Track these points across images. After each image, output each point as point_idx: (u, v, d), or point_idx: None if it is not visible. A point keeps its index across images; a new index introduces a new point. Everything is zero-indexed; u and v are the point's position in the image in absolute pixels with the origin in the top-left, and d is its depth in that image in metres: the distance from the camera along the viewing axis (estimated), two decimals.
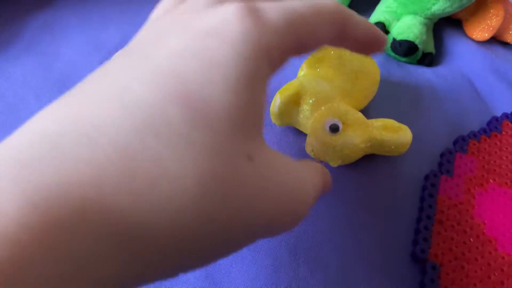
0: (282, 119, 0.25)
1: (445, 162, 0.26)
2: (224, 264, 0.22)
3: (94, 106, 0.10)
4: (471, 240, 0.23)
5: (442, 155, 0.27)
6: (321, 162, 0.24)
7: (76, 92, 0.11)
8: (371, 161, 0.26)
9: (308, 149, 0.24)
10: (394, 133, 0.24)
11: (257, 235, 0.13)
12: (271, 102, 0.25)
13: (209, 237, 0.11)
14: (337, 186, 0.25)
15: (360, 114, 0.24)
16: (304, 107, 0.24)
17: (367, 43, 0.16)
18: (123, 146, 0.10)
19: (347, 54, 0.26)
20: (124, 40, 0.33)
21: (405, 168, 0.27)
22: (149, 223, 0.10)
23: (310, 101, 0.24)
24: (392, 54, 0.33)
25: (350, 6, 0.36)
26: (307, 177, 0.15)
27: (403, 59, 0.33)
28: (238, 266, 0.22)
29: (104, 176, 0.09)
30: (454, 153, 0.27)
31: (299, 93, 0.24)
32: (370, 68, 0.27)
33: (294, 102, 0.24)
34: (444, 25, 0.37)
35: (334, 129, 0.23)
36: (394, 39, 0.32)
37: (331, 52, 0.26)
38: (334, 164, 0.24)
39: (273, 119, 0.26)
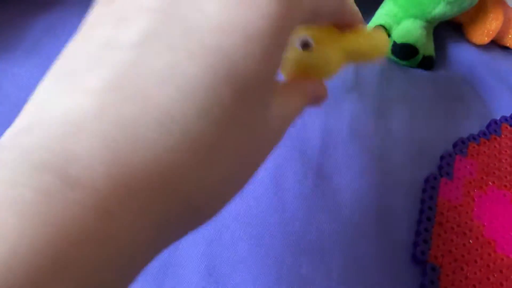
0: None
1: (445, 165, 0.26)
2: (227, 262, 0.22)
3: (151, 88, 0.11)
4: (471, 242, 0.23)
5: (442, 158, 0.27)
6: None
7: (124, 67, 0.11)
8: (370, 162, 0.27)
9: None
10: (367, 37, 0.22)
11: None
12: None
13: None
14: (338, 188, 0.25)
15: (325, 29, 0.22)
16: None
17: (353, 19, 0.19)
18: (191, 132, 0.11)
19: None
20: None
21: (405, 170, 0.27)
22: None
23: None
24: (393, 57, 0.33)
25: None
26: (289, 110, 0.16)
27: (404, 62, 0.33)
28: (242, 266, 0.22)
29: (179, 160, 0.10)
30: (454, 156, 0.27)
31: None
32: None
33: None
34: (444, 29, 0.37)
35: (305, 44, 0.21)
36: (394, 42, 0.33)
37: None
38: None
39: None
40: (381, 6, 0.36)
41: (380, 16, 0.35)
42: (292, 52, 0.21)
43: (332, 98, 0.30)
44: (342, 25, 0.19)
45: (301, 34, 0.22)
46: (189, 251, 0.22)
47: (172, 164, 0.10)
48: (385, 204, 0.25)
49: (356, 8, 0.18)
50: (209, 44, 0.11)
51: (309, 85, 0.19)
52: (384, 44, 0.23)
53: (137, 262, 0.11)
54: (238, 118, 0.12)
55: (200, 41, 0.11)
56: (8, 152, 0.10)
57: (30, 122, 0.11)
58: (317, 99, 0.19)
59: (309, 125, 0.28)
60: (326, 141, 0.28)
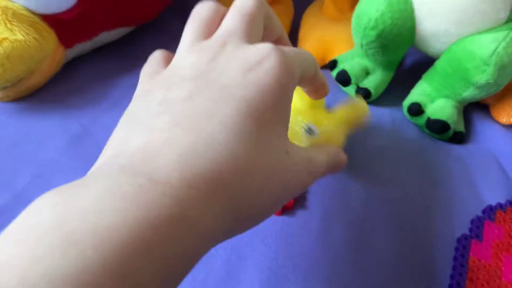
0: None
1: (475, 228, 0.30)
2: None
3: (202, 123, 0.16)
4: None
5: (472, 222, 0.30)
6: None
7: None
8: (406, 220, 0.30)
9: None
10: (355, 110, 0.31)
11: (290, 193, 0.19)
12: None
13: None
14: (378, 247, 0.29)
15: (320, 112, 0.30)
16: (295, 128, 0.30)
17: (322, 86, 0.25)
18: (231, 149, 0.16)
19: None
20: None
21: (437, 230, 0.30)
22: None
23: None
24: (427, 131, 0.38)
25: (387, 89, 0.42)
26: (315, 157, 0.21)
27: (437, 136, 0.38)
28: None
29: (224, 170, 0.15)
30: (483, 220, 0.30)
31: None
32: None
33: None
34: (473, 108, 0.42)
35: (310, 131, 0.29)
36: (428, 118, 0.37)
37: None
38: None
39: None
40: (416, 86, 0.41)
41: (415, 94, 0.40)
42: (302, 139, 0.28)
43: (375, 159, 0.34)
44: (315, 90, 0.25)
45: (304, 123, 0.28)
46: None
47: (220, 172, 0.15)
48: (423, 257, 0.28)
49: (323, 76, 0.25)
50: (236, 95, 0.17)
51: (331, 147, 0.24)
52: (366, 109, 0.30)
53: (201, 245, 0.15)
54: (261, 142, 0.17)
55: (230, 93, 0.17)
56: (108, 167, 0.15)
57: (115, 153, 0.16)
58: (338, 164, 0.24)
59: (353, 182, 0.33)
60: (368, 198, 0.32)
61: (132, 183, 0.14)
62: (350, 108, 0.31)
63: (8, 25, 0.35)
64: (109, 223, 0.12)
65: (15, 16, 0.35)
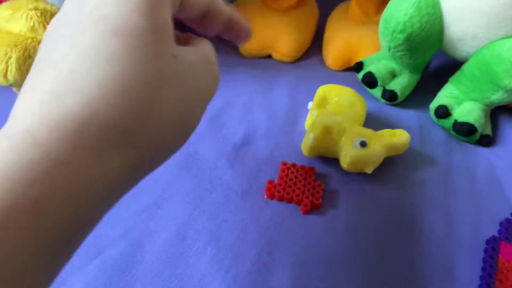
0: (314, 151, 0.33)
1: (504, 230, 0.30)
2: None
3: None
4: None
5: (501, 224, 0.31)
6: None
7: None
8: (439, 222, 0.31)
9: (343, 165, 0.32)
10: (398, 136, 0.33)
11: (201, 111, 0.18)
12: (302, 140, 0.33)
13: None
14: (413, 239, 0.29)
15: (372, 131, 0.33)
16: (335, 136, 0.32)
17: (231, 27, 0.22)
18: (101, 81, 0.15)
19: (340, 93, 0.35)
20: (226, 105, 0.40)
21: (465, 232, 0.31)
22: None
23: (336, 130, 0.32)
24: (454, 133, 0.38)
25: (414, 92, 0.42)
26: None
27: (464, 138, 0.38)
28: None
29: (103, 99, 0.14)
30: None
31: (326, 127, 0.32)
32: (357, 98, 0.35)
33: (323, 135, 0.32)
34: (501, 112, 0.42)
35: (363, 144, 0.31)
36: (455, 121, 0.37)
37: (330, 93, 0.35)
38: (369, 171, 0.31)
39: (306, 153, 0.33)
40: (443, 89, 0.41)
41: (442, 97, 0.40)
42: (352, 149, 0.30)
43: (403, 162, 0.35)
44: (213, 17, 0.21)
45: (359, 137, 0.30)
46: None
47: (89, 105, 0.14)
48: (450, 259, 0.29)
49: (231, 11, 0.22)
50: (95, 19, 0.15)
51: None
52: (407, 141, 0.33)
53: (98, 185, 0.14)
54: (135, 57, 0.15)
55: (89, 21, 0.15)
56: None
57: None
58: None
59: (385, 182, 0.33)
60: (398, 197, 0.32)
61: (10, 140, 0.14)
62: (395, 136, 0.34)
63: (47, 27, 0.36)
64: None
65: (52, 18, 0.36)
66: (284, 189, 0.31)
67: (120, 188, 0.16)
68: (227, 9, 0.22)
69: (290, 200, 0.31)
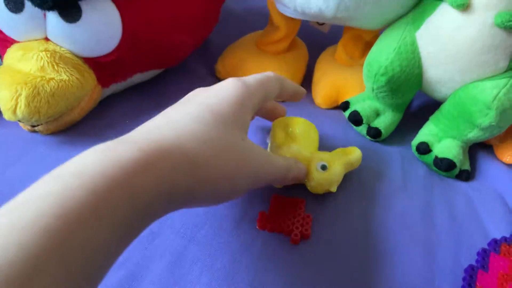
0: None
1: (481, 259, 0.32)
2: None
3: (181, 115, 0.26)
4: None
5: (478, 254, 0.32)
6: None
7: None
8: (418, 251, 0.32)
9: (310, 188, 0.35)
10: (352, 154, 0.37)
11: (246, 184, 0.27)
12: None
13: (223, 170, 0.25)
14: (389, 272, 0.31)
15: (329, 153, 0.36)
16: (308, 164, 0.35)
17: (294, 95, 0.37)
18: (190, 128, 0.24)
19: (293, 123, 0.38)
20: None
21: (447, 260, 0.32)
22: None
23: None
24: (435, 168, 0.41)
25: (397, 129, 0.45)
26: (279, 160, 0.31)
27: (444, 173, 0.40)
28: None
29: (191, 143, 0.23)
30: (489, 252, 0.32)
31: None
32: (308, 125, 0.38)
33: None
34: (478, 148, 0.44)
35: (323, 167, 0.34)
36: (436, 157, 0.40)
37: (284, 125, 0.38)
38: (333, 189, 0.34)
39: (276, 185, 0.36)
40: (423, 127, 0.44)
41: (423, 134, 0.43)
42: (315, 173, 0.32)
43: (385, 195, 0.37)
44: (292, 97, 0.37)
45: (319, 161, 0.33)
46: None
47: (178, 140, 0.23)
48: (430, 286, 0.30)
49: (294, 84, 0.36)
50: (201, 100, 0.27)
51: (289, 158, 0.33)
52: (360, 156, 0.37)
53: (162, 189, 0.21)
54: (218, 127, 0.25)
55: (197, 101, 0.27)
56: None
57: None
58: (299, 169, 0.33)
59: (365, 213, 0.35)
60: (377, 230, 0.34)
61: (124, 145, 0.21)
62: (350, 154, 0.37)
63: (55, 67, 0.39)
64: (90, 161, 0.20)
65: (61, 59, 0.39)
66: (275, 221, 0.33)
67: (175, 200, 0.23)
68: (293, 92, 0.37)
69: (281, 231, 0.33)
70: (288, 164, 0.31)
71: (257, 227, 0.33)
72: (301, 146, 0.36)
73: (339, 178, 0.35)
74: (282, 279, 0.30)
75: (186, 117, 0.25)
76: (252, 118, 0.37)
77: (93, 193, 0.18)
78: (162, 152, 0.21)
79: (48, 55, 0.39)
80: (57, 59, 0.39)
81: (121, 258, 0.30)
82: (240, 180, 0.26)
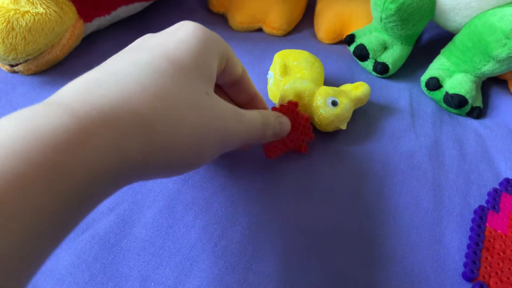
0: None
1: (492, 200, 0.30)
2: None
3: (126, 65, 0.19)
4: None
5: (489, 194, 0.31)
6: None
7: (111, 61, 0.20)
8: (426, 191, 0.31)
9: (320, 126, 0.33)
10: (360, 89, 0.34)
11: (213, 148, 0.22)
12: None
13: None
14: (397, 208, 0.29)
15: (337, 88, 0.33)
16: (306, 100, 0.32)
17: (255, 104, 0.30)
18: (142, 82, 0.18)
19: (298, 56, 0.35)
20: None
21: (455, 201, 0.31)
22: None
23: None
24: (444, 105, 0.38)
25: (405, 64, 0.42)
26: (254, 116, 0.25)
27: (454, 110, 0.38)
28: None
29: (138, 98, 0.18)
30: (500, 192, 0.31)
31: (297, 93, 0.32)
32: (314, 59, 0.36)
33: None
34: (492, 84, 0.41)
35: (334, 103, 0.32)
36: (447, 93, 0.37)
37: (288, 59, 0.35)
38: (343, 127, 0.32)
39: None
40: (434, 61, 0.41)
41: (433, 69, 0.39)
42: (326, 108, 0.29)
43: (393, 134, 0.35)
44: (243, 87, 0.29)
45: (329, 96, 0.30)
46: None
47: (128, 98, 0.17)
48: (438, 228, 0.29)
49: (258, 93, 0.30)
50: (155, 47, 0.21)
51: (269, 112, 0.28)
52: (369, 91, 0.35)
53: (113, 161, 0.17)
54: (178, 80, 0.19)
55: (149, 47, 0.21)
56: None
57: None
58: (281, 125, 0.28)
59: (372, 153, 0.33)
60: (386, 169, 0.32)
61: (48, 108, 0.16)
62: (358, 89, 0.34)
63: None
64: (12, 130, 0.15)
65: None
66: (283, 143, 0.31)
67: (126, 173, 0.18)
68: (255, 88, 0.29)
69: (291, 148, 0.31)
70: (266, 120, 0.27)
71: (265, 157, 0.31)
72: (307, 79, 0.33)
73: (350, 114, 0.33)
74: (281, 222, 0.29)
75: (135, 67, 0.19)
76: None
77: (4, 181, 0.13)
78: (103, 116, 0.16)
79: None
80: None
81: (110, 203, 0.29)
82: (206, 144, 0.21)
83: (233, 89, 0.29)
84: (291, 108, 0.30)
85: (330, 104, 0.31)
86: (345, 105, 0.32)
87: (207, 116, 0.21)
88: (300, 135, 0.31)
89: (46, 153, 0.14)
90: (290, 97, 0.32)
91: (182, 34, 0.22)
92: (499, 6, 0.35)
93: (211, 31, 0.23)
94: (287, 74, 0.34)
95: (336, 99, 0.32)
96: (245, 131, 0.24)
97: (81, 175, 0.15)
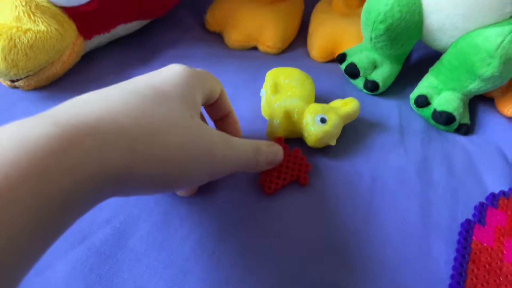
0: (279, 136, 0.34)
1: (478, 213, 0.31)
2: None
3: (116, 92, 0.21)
4: (501, 279, 0.27)
5: (475, 208, 0.32)
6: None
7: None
8: (414, 206, 0.32)
9: (309, 142, 0.33)
10: (350, 105, 0.35)
11: (200, 169, 0.23)
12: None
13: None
14: (385, 224, 0.30)
15: (326, 105, 0.34)
16: (296, 117, 0.33)
17: (227, 122, 0.32)
18: (126, 101, 0.20)
19: (289, 74, 0.36)
20: None
21: (443, 215, 0.32)
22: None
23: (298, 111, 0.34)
24: (433, 122, 0.39)
25: (395, 82, 0.43)
26: (244, 143, 0.27)
27: (442, 127, 0.39)
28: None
29: (123, 117, 0.20)
30: (486, 207, 0.32)
31: (287, 111, 0.33)
32: (305, 77, 0.37)
33: (286, 119, 0.34)
34: (478, 101, 0.43)
35: (323, 120, 0.33)
36: (435, 110, 0.38)
37: (279, 77, 0.36)
38: (333, 143, 0.33)
39: (272, 139, 0.34)
40: (423, 79, 0.42)
41: (422, 87, 0.41)
42: (315, 126, 0.31)
43: (382, 150, 0.36)
44: (227, 123, 0.32)
45: (318, 113, 0.31)
46: None
47: (112, 114, 0.19)
48: (426, 241, 0.30)
49: (235, 117, 0.33)
50: (140, 82, 0.23)
51: (262, 141, 0.29)
52: (358, 107, 0.36)
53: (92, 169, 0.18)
54: (161, 103, 0.21)
55: (136, 83, 0.23)
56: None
57: None
58: (276, 151, 0.30)
59: (361, 169, 0.34)
60: (375, 184, 0.33)
61: (36, 119, 0.18)
62: (347, 105, 0.35)
63: (32, 17, 0.36)
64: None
65: (38, 8, 0.37)
66: (278, 177, 0.32)
67: (111, 181, 0.19)
68: (230, 106, 0.31)
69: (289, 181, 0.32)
70: (257, 147, 0.28)
71: (266, 194, 0.32)
72: (297, 97, 0.34)
73: (339, 130, 0.34)
74: (273, 236, 0.30)
75: (122, 92, 0.21)
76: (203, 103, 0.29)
77: None
78: (87, 126, 0.18)
79: (23, 3, 0.36)
80: (33, 8, 0.36)
81: (106, 216, 0.30)
82: (191, 161, 0.22)
83: (211, 107, 0.31)
84: (281, 144, 0.32)
85: (319, 122, 0.32)
86: (334, 122, 0.33)
87: (191, 135, 0.22)
88: (296, 166, 0.32)
89: (31, 159, 0.15)
90: (280, 115, 0.33)
91: (168, 72, 0.24)
92: (483, 27, 0.36)
93: (200, 70, 0.26)
94: (278, 92, 0.35)
95: (325, 116, 0.33)
96: (235, 156, 0.26)
97: (66, 179, 0.16)
